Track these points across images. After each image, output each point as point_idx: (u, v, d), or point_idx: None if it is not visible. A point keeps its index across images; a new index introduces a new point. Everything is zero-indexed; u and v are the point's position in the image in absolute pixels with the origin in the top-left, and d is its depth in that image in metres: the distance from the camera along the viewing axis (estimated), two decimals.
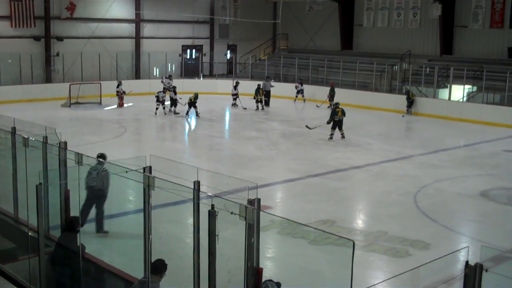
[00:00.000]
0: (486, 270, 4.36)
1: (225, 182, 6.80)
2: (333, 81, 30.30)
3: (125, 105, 27.40)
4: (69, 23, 31.15)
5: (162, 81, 28.66)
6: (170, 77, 29.10)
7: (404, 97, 27.30)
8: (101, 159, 9.57)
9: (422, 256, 9.78)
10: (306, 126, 21.47)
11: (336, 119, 20.22)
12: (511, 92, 25.32)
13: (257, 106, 27.60)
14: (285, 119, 26.00)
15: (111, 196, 9.79)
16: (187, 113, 24.82)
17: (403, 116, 26.57)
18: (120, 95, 27.39)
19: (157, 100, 25.32)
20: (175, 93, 25.29)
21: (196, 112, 24.72)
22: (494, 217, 12.91)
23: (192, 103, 24.65)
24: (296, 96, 30.61)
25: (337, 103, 21.30)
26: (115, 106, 27.30)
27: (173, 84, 27.28)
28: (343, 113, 20.33)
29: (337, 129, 20.28)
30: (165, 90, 26.80)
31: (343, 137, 20.32)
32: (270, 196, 13.58)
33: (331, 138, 20.16)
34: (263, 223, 5.49)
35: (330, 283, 8.01)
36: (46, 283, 7.34)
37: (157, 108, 25.27)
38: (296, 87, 30.54)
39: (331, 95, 28.57)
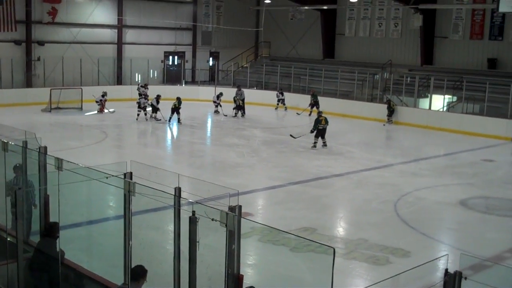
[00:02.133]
0: (465, 278, 4.39)
1: (206, 189, 6.79)
2: (314, 88, 30.40)
3: (105, 111, 27.25)
4: (51, 27, 30.98)
5: (138, 89, 28.67)
6: (145, 85, 28.93)
7: (385, 106, 27.48)
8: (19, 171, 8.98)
9: (402, 264, 9.85)
10: (291, 135, 21.45)
11: (320, 128, 20.27)
12: (490, 103, 25.59)
13: (235, 113, 27.71)
14: (267, 126, 26.03)
15: (91, 202, 9.71)
16: (169, 119, 24.77)
17: (384, 124, 26.74)
18: (102, 102, 27.27)
19: (139, 106, 25.27)
20: (158, 102, 25.19)
21: (178, 118, 24.68)
22: (473, 226, 13.03)
23: (175, 109, 24.61)
24: (277, 105, 30.67)
25: (320, 112, 21.33)
26: (96, 112, 27.13)
27: (148, 92, 27.68)
28: (327, 122, 20.38)
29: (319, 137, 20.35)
30: (146, 96, 26.73)
31: (325, 145, 20.37)
32: (251, 203, 13.59)
33: (314, 146, 20.20)
34: (244, 230, 5.48)
35: None
36: None
37: (138, 114, 25.21)
38: (277, 95, 30.61)
39: (315, 102, 28.68)
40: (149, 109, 25.53)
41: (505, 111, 25.07)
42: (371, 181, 16.49)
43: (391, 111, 27.08)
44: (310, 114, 28.24)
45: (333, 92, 31.04)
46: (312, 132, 20.38)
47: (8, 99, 27.67)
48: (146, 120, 25.25)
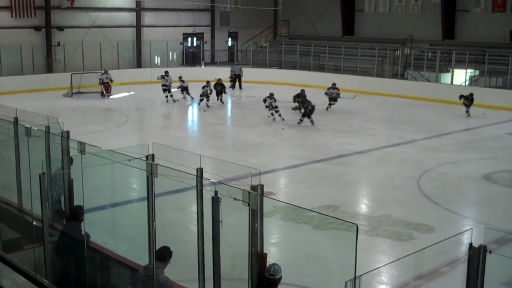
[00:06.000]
0: (490, 252, 4.36)
1: (228, 169, 6.81)
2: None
3: (111, 96, 27.05)
4: (70, 12, 31.09)
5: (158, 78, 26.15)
6: (166, 73, 25.94)
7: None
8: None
9: (426, 239, 9.81)
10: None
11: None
12: None
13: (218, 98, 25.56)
14: (286, 106, 25.93)
15: (114, 185, 9.78)
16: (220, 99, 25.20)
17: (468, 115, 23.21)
18: (103, 83, 27.03)
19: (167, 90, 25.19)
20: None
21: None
22: (498, 200, 12.93)
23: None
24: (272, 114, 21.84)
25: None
26: (109, 95, 27.07)
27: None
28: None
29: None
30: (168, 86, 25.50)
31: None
32: (273, 182, 13.62)
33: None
34: (266, 209, 5.49)
35: (334, 267, 8.04)
36: (51, 272, 7.37)
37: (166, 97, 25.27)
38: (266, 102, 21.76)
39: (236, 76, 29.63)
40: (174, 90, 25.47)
41: None
42: (393, 157, 16.42)
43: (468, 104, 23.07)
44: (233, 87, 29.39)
45: (354, 69, 30.86)
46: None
47: (29, 84, 27.87)
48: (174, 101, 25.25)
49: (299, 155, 16.47)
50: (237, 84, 30.43)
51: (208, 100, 23.83)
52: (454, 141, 18.68)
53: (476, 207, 12.79)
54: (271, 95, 21.29)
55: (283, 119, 21.04)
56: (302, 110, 20.51)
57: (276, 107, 21.16)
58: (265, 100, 21.38)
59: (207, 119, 23.05)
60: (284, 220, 10.90)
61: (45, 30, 30.39)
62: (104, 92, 26.90)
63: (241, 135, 19.35)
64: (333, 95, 23.37)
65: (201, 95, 23.74)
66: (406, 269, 8.56)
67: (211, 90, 24.01)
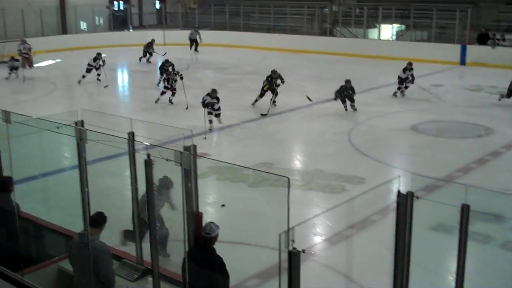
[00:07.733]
0: (417, 197, 4.52)
1: (160, 132, 6.79)
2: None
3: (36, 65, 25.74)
4: None
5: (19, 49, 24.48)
6: (99, 55, 22.31)
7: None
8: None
9: (358, 191, 10.09)
10: (307, 97, 18.34)
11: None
12: (437, 29, 25.93)
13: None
14: (218, 67, 25.85)
15: (44, 154, 9.60)
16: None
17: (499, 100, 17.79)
18: (22, 54, 25.39)
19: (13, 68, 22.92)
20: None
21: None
22: (425, 149, 13.39)
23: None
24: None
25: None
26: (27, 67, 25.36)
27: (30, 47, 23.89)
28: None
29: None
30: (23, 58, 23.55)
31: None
32: (207, 143, 13.65)
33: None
34: (202, 170, 5.52)
35: (270, 223, 8.19)
36: None
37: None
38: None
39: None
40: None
41: (452, 36, 25.43)
42: (324, 113, 16.71)
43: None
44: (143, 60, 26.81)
45: (283, 28, 30.92)
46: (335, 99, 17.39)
47: None
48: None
49: (232, 115, 16.49)
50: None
51: (174, 95, 18.64)
52: (382, 95, 19.11)
53: (404, 157, 13.21)
54: (213, 93, 15.20)
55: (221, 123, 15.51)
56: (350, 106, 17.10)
57: (218, 109, 15.18)
58: (204, 101, 15.12)
59: (138, 84, 22.74)
60: (220, 180, 10.98)
61: None
62: (26, 64, 25.56)
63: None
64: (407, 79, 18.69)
65: (167, 87, 18.73)
66: (339, 219, 8.84)
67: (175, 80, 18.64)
